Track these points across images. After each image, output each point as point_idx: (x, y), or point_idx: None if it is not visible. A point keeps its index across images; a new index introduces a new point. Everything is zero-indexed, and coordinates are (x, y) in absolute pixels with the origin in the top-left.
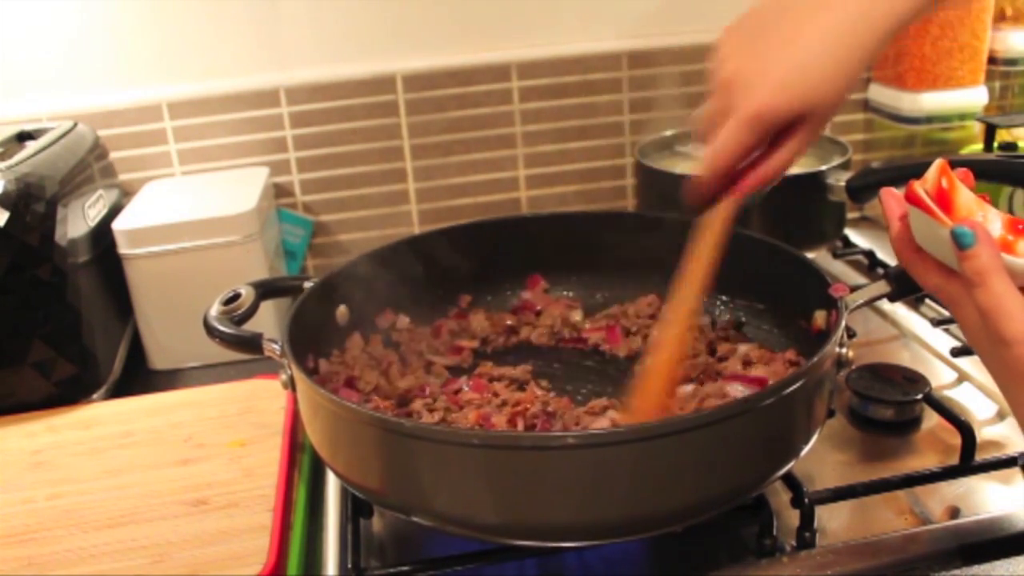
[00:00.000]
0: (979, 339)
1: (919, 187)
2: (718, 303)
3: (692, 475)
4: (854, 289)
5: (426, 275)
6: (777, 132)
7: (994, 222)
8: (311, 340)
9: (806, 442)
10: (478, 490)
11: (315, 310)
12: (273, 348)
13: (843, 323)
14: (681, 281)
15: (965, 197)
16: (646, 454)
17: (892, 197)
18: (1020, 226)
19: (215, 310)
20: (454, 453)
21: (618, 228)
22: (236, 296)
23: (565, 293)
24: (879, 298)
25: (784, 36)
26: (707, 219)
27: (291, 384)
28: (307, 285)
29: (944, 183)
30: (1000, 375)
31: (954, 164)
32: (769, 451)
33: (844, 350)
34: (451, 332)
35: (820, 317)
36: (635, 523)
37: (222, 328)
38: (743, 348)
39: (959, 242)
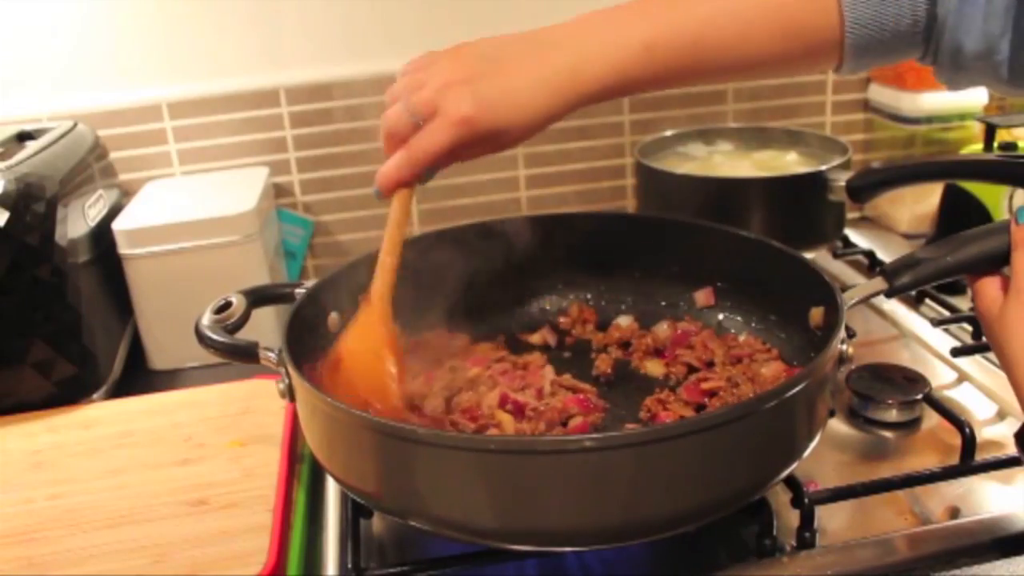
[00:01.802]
0: None
1: None
2: (723, 306)
3: (694, 479)
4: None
5: (431, 276)
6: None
7: None
8: (309, 346)
9: (808, 443)
10: (476, 494)
11: (311, 316)
12: (269, 356)
13: (843, 323)
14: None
15: None
16: (646, 458)
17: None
18: None
19: (207, 319)
20: (451, 457)
21: (619, 229)
22: (227, 304)
23: (571, 297)
24: (875, 294)
25: (500, 69)
26: (396, 200)
27: (289, 394)
28: (299, 291)
29: None
30: None
31: (954, 164)
32: (772, 453)
33: (845, 347)
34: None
35: (817, 314)
36: (637, 528)
37: (216, 337)
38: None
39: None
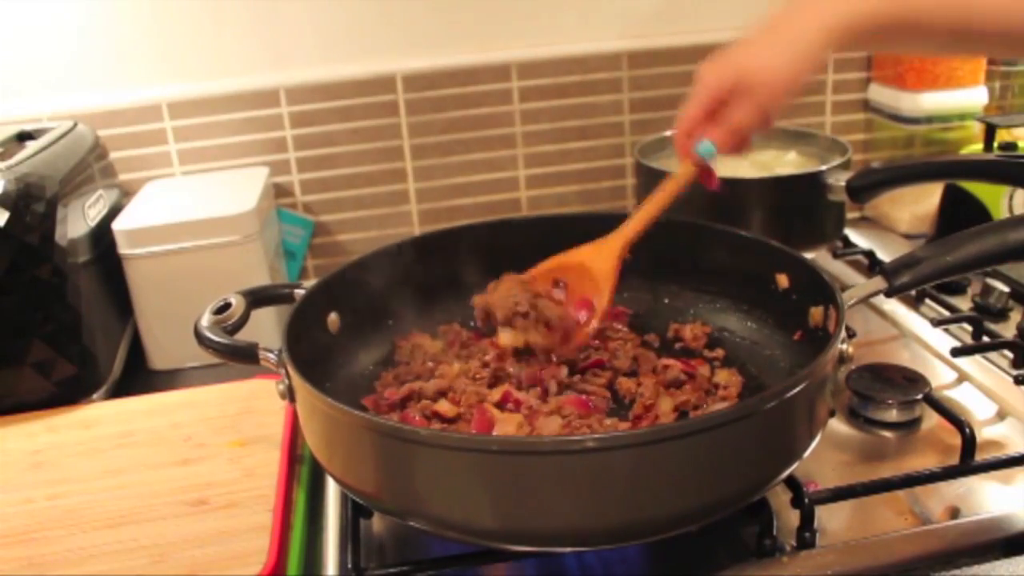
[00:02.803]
0: None
1: None
2: (722, 305)
3: (695, 479)
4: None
5: (429, 278)
6: (722, 96)
7: None
8: (309, 346)
9: (809, 444)
10: (476, 495)
11: (311, 317)
12: (269, 357)
13: (843, 322)
14: (634, 213)
15: None
16: (647, 459)
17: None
18: None
19: (206, 320)
20: (451, 458)
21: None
22: (227, 305)
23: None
24: (875, 294)
25: (748, 36)
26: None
27: (289, 394)
28: (298, 292)
29: None
30: None
31: (954, 164)
32: (772, 454)
33: (845, 346)
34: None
35: (817, 313)
36: (637, 528)
37: (215, 338)
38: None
39: None
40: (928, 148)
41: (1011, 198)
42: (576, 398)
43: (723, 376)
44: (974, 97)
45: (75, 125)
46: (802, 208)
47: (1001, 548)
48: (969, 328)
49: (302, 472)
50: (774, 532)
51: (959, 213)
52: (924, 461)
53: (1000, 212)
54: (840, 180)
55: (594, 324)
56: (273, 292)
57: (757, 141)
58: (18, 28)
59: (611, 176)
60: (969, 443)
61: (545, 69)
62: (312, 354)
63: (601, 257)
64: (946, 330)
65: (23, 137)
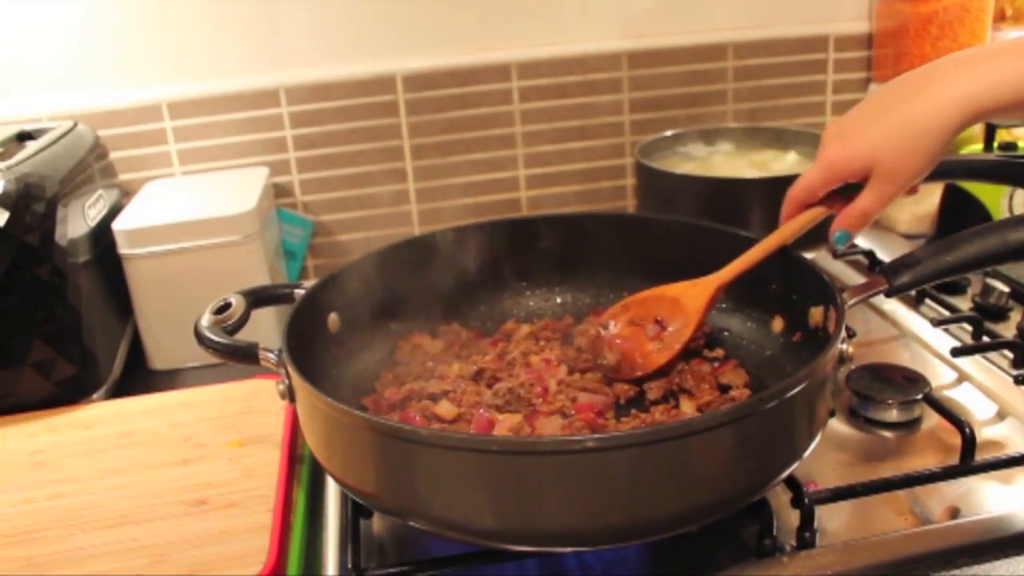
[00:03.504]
0: None
1: None
2: (722, 307)
3: (695, 479)
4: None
5: (429, 277)
6: (848, 180)
7: None
8: (309, 346)
9: (809, 443)
10: (476, 495)
11: (311, 316)
12: (269, 357)
13: (843, 323)
14: (753, 247)
15: None
16: (647, 459)
17: None
18: None
19: (206, 320)
20: (451, 458)
21: (619, 229)
22: (227, 305)
23: (559, 299)
24: (875, 294)
25: (876, 110)
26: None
27: (289, 394)
28: (298, 292)
29: None
30: None
31: (954, 164)
32: (772, 453)
33: (845, 347)
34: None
35: (817, 313)
36: (637, 528)
37: (215, 338)
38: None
39: None
40: None
41: (1011, 198)
42: (590, 403)
43: (729, 375)
44: None
45: (75, 125)
46: None
47: (1001, 548)
48: (969, 328)
49: (302, 472)
50: (774, 532)
51: (959, 213)
52: (924, 461)
53: (1000, 212)
54: None
55: (663, 359)
56: (273, 292)
57: (756, 143)
58: (18, 28)
59: (611, 176)
60: (969, 443)
61: (545, 69)
62: (312, 354)
63: (694, 294)
64: (946, 330)
65: (23, 137)
